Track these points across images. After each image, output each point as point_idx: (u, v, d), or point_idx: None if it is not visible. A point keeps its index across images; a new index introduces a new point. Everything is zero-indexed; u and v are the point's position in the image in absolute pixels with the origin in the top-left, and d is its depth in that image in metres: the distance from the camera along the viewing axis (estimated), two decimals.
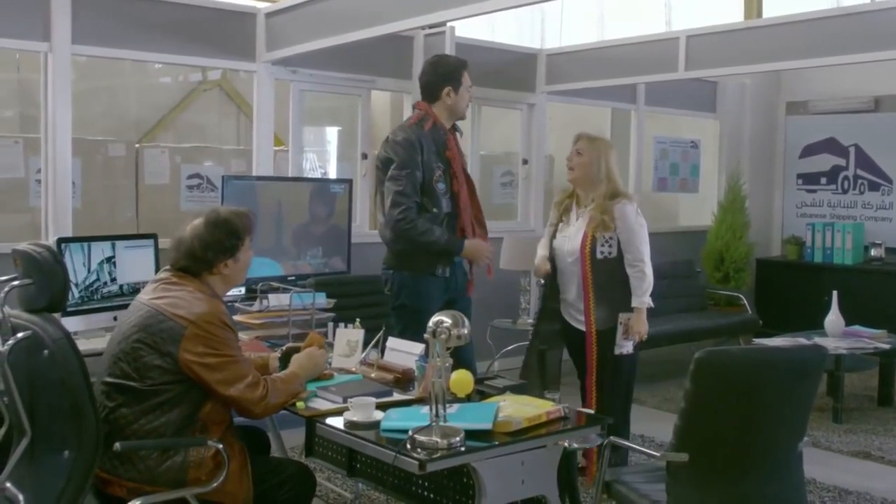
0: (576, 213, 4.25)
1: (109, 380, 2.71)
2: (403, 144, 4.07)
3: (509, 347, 6.01)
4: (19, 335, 2.54)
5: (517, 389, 3.20)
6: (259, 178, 5.31)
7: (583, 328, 4.21)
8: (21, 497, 2.53)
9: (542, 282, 6.21)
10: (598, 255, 4.11)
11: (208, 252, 2.80)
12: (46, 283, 2.60)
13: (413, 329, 3.95)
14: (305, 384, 3.01)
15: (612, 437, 3.05)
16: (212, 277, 2.84)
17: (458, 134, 4.31)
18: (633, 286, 4.11)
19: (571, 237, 4.21)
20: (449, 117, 4.21)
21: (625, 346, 4.15)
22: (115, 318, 4.09)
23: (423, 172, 4.06)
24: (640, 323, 4.12)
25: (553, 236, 4.33)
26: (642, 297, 4.11)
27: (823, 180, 8.43)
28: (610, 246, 4.12)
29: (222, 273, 2.85)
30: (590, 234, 4.11)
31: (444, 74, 4.18)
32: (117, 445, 2.54)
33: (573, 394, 4.43)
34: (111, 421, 2.64)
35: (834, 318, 5.84)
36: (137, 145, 6.18)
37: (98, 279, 4.04)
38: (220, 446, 2.67)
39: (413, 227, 4.01)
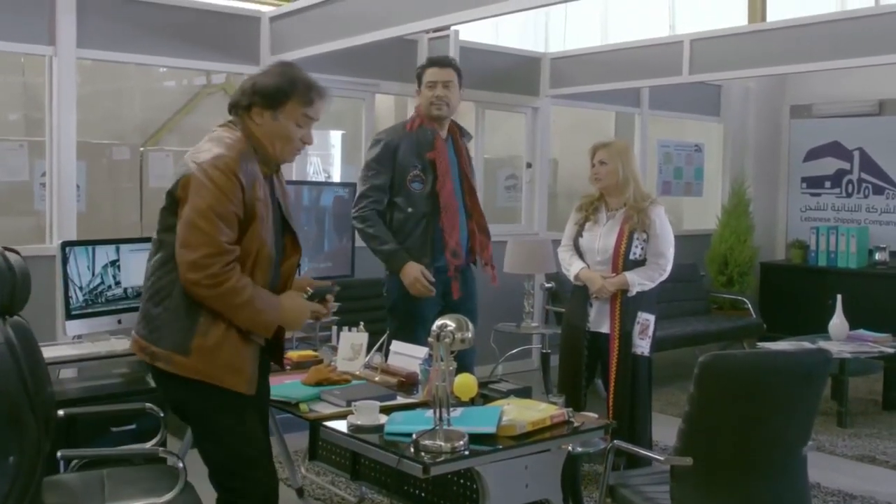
0: (606, 214, 4.25)
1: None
2: (373, 144, 4.21)
3: (513, 351, 6.01)
4: None
5: (521, 393, 3.20)
6: None
7: (603, 330, 4.21)
8: None
9: (552, 285, 6.23)
10: (631, 256, 4.13)
11: (255, 94, 2.64)
12: None
13: (405, 330, 3.97)
14: (271, 321, 2.65)
15: (616, 441, 3.05)
16: (250, 122, 2.66)
17: (464, 139, 4.30)
18: (643, 269, 4.12)
19: (603, 236, 4.21)
20: (426, 118, 4.16)
21: (640, 346, 4.16)
22: (119, 322, 4.11)
23: (396, 171, 4.10)
24: (607, 283, 4.12)
25: (578, 235, 4.32)
26: (640, 278, 4.11)
27: (828, 184, 8.42)
28: (642, 249, 4.14)
29: (255, 121, 2.65)
30: (626, 232, 4.13)
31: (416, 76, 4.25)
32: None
33: None
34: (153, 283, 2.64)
35: (838, 322, 5.83)
36: (142, 149, 6.20)
37: (102, 282, 4.04)
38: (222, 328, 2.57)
39: (363, 228, 4.12)
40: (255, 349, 2.68)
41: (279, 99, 2.63)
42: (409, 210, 4.09)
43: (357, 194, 4.20)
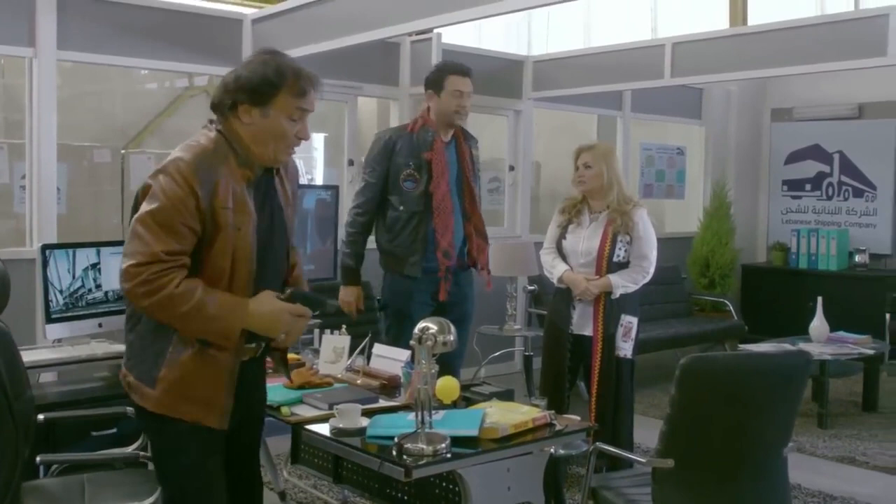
0: (589, 217, 4.26)
1: None
2: (374, 143, 4.29)
3: (496, 354, 6.00)
4: None
5: (503, 396, 3.20)
6: None
7: (586, 333, 4.22)
8: None
9: (535, 288, 6.23)
10: (615, 258, 4.14)
11: (240, 91, 2.37)
12: None
13: (395, 328, 4.09)
14: (229, 328, 2.35)
15: (598, 444, 3.06)
16: (236, 122, 2.40)
17: (468, 144, 4.30)
18: (627, 272, 4.14)
19: (587, 238, 4.21)
20: (440, 122, 4.21)
21: (623, 349, 4.17)
22: (100, 325, 4.08)
23: (391, 169, 4.16)
24: (591, 285, 4.13)
25: (561, 237, 4.32)
26: (623, 280, 4.13)
27: (808, 187, 8.48)
28: (625, 251, 4.15)
29: (243, 121, 2.38)
30: (610, 235, 4.13)
31: (428, 78, 4.25)
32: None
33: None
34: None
35: (818, 324, 5.86)
36: (123, 151, 6.16)
37: (83, 286, 4.02)
38: (191, 349, 2.34)
39: (347, 231, 4.28)
40: (229, 375, 2.41)
41: (267, 93, 2.36)
42: (401, 208, 4.14)
43: (356, 191, 4.32)
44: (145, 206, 2.28)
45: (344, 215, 5.84)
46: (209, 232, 2.31)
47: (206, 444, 2.41)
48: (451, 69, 4.22)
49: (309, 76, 2.44)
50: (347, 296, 4.28)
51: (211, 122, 2.45)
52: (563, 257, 4.29)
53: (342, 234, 5.47)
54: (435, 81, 4.19)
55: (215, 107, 2.43)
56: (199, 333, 2.33)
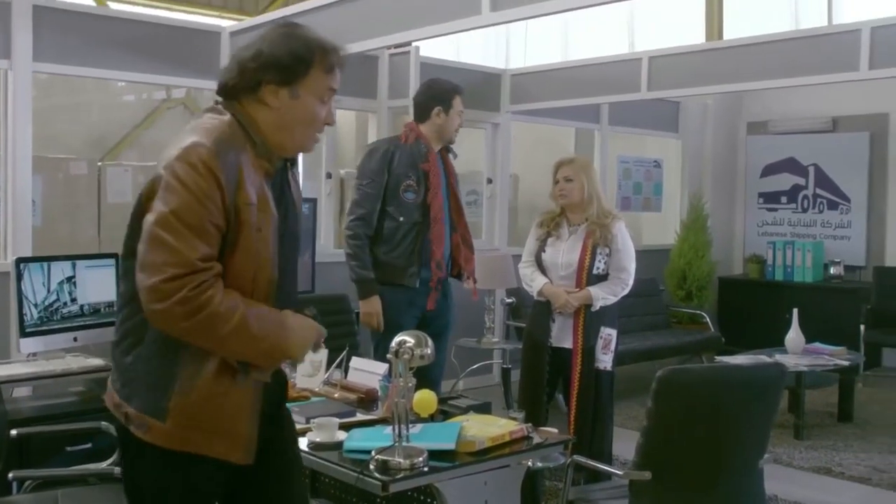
0: (567, 229, 4.28)
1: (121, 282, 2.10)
2: (368, 153, 4.30)
3: (474, 366, 6.02)
4: None
5: (480, 409, 3.20)
6: None
7: (565, 345, 4.22)
8: None
9: (513, 300, 6.25)
10: (594, 271, 4.15)
11: (265, 69, 2.04)
12: None
13: (385, 341, 4.03)
14: (276, 348, 2.02)
15: (575, 456, 3.07)
16: (256, 106, 2.06)
17: (451, 155, 4.38)
18: (606, 284, 4.16)
19: (566, 251, 4.23)
20: (437, 138, 4.28)
21: (603, 361, 4.18)
22: (75, 339, 4.05)
23: (390, 180, 4.18)
24: (571, 297, 4.14)
25: (540, 251, 4.33)
26: (603, 292, 4.14)
27: (784, 199, 8.55)
28: (605, 264, 4.17)
29: (268, 104, 2.05)
30: (590, 247, 4.15)
31: (435, 95, 4.28)
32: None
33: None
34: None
35: (794, 336, 5.89)
36: (100, 163, 6.13)
37: (58, 299, 3.99)
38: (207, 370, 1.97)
39: (352, 243, 4.17)
40: (255, 398, 2.06)
41: (298, 70, 2.05)
42: (401, 219, 4.17)
43: (353, 201, 4.29)
44: (162, 205, 1.89)
45: (322, 228, 5.86)
46: (232, 232, 1.95)
47: (218, 483, 2.08)
48: (457, 89, 4.31)
49: (336, 49, 2.14)
50: (372, 307, 4.15)
51: (217, 103, 2.10)
52: (542, 270, 4.31)
53: (320, 247, 5.50)
54: (446, 100, 4.25)
55: (229, 90, 2.08)
56: (239, 356, 1.99)
